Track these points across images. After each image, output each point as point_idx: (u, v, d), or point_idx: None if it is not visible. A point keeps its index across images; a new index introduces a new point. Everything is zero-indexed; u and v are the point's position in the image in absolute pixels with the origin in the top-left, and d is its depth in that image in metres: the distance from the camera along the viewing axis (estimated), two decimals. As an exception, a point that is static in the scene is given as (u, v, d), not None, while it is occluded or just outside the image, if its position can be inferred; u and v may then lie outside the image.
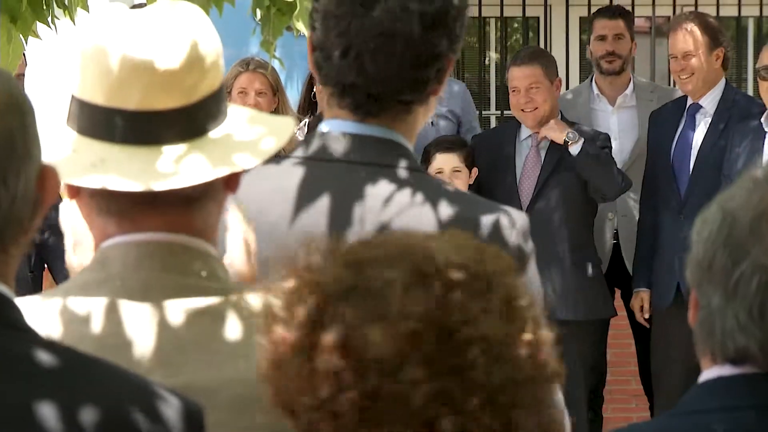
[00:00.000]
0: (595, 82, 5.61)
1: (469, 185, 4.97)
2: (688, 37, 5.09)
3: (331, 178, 1.82)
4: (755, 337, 1.39)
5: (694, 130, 5.13)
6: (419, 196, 1.81)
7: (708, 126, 5.07)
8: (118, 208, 1.48)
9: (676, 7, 7.02)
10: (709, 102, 5.14)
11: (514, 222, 1.83)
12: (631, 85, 5.57)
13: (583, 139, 4.91)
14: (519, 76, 5.02)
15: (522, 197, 4.99)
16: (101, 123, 1.47)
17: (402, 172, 1.83)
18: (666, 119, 5.23)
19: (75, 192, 1.51)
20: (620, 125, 5.48)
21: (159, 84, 1.47)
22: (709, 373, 1.44)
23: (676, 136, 5.16)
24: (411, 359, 1.12)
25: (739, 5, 7.12)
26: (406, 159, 1.85)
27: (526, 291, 1.22)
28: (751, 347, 1.39)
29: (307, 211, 1.78)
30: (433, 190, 1.84)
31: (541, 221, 4.81)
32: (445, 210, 1.80)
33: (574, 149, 4.90)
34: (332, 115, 1.86)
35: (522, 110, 5.04)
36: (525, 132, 5.14)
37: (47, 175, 1.25)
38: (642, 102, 5.52)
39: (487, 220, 1.81)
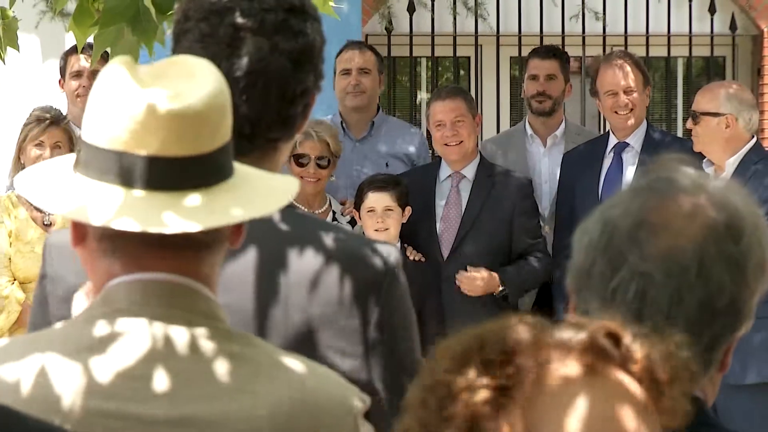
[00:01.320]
0: (528, 122, 5.64)
1: (403, 224, 4.96)
2: (628, 74, 5.15)
3: None
4: None
5: (622, 169, 5.16)
6: (296, 232, 1.86)
7: (637, 164, 5.11)
8: (124, 250, 1.51)
9: (605, 47, 7.09)
10: (636, 140, 5.19)
11: (388, 254, 1.87)
12: (562, 126, 5.60)
13: (507, 288, 4.91)
14: (444, 110, 5.04)
15: (443, 247, 4.99)
16: (120, 168, 1.50)
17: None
18: (585, 159, 5.25)
19: (81, 238, 1.54)
20: (551, 166, 5.51)
21: (179, 131, 1.49)
22: None
23: (602, 176, 5.19)
24: None
25: (669, 45, 7.23)
26: None
27: None
28: None
29: None
30: (308, 225, 1.89)
31: (464, 268, 4.84)
32: (324, 244, 1.84)
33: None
34: None
35: (446, 144, 5.05)
36: (444, 171, 5.14)
37: None
38: (569, 144, 5.55)
39: (361, 253, 1.85)
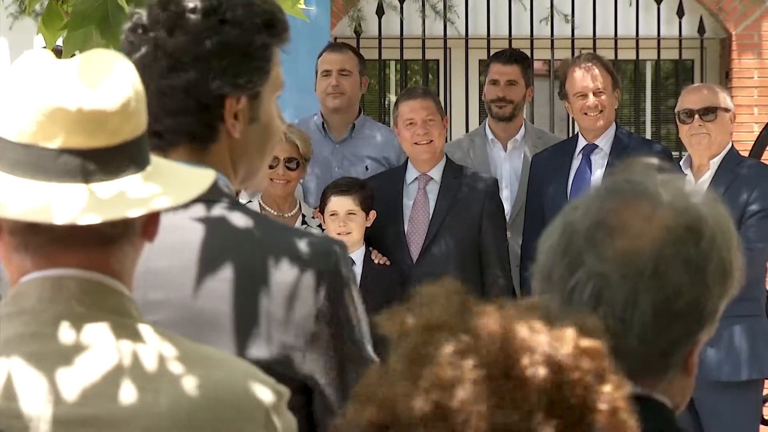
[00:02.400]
0: (489, 126, 5.65)
1: (367, 228, 4.96)
2: (597, 76, 5.18)
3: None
4: None
5: (590, 170, 5.19)
6: (240, 227, 1.87)
7: (606, 166, 5.15)
8: (35, 245, 1.52)
9: (574, 50, 7.14)
10: (605, 142, 5.22)
11: (332, 249, 1.88)
12: (522, 130, 5.61)
13: None
14: (415, 108, 5.05)
15: (411, 249, 5.00)
16: (27, 161, 1.50)
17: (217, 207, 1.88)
18: (554, 161, 5.27)
19: None
20: (512, 170, 5.53)
21: (83, 124, 1.49)
22: None
23: (571, 177, 5.23)
24: None
25: (637, 49, 7.27)
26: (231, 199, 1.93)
27: None
28: None
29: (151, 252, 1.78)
30: (253, 220, 1.90)
31: (433, 273, 4.85)
32: (266, 239, 1.86)
33: None
34: None
35: (417, 143, 5.06)
36: (411, 173, 5.14)
37: None
38: (530, 148, 5.57)
39: (303, 247, 1.86)
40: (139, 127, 1.56)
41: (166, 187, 1.54)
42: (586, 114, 5.20)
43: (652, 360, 1.45)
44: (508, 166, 5.54)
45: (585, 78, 5.18)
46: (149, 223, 1.57)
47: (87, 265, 1.52)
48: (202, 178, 1.62)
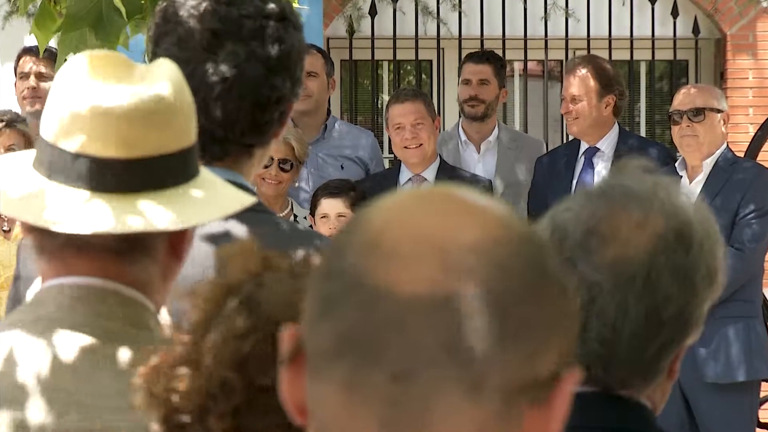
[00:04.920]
0: (462, 128, 5.66)
1: None
2: (579, 82, 5.19)
3: None
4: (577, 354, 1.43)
5: (593, 174, 5.21)
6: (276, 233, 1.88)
7: (608, 169, 5.16)
8: (50, 249, 1.52)
9: (568, 51, 7.17)
10: (607, 145, 5.23)
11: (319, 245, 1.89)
12: (495, 132, 5.62)
13: None
14: (403, 112, 5.06)
15: None
16: (63, 166, 1.50)
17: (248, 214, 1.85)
18: (556, 165, 5.29)
19: (27, 229, 1.56)
20: (485, 172, 5.53)
21: (122, 132, 1.49)
22: None
23: (574, 181, 5.26)
24: None
25: (631, 49, 7.29)
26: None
27: None
28: None
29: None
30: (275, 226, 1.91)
31: None
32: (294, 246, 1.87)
33: None
34: None
35: (406, 147, 5.08)
36: (405, 175, 5.15)
37: None
38: (503, 150, 5.58)
39: (293, 243, 1.86)
40: (177, 142, 1.53)
41: (189, 207, 1.53)
42: (566, 118, 5.27)
43: (641, 367, 1.47)
44: (481, 168, 5.54)
45: (567, 83, 5.23)
46: (178, 241, 1.56)
47: (105, 274, 1.52)
48: (235, 202, 1.62)
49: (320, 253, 1.35)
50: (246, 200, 1.64)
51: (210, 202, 1.58)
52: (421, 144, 5.05)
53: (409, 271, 0.89)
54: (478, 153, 5.60)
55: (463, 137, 5.63)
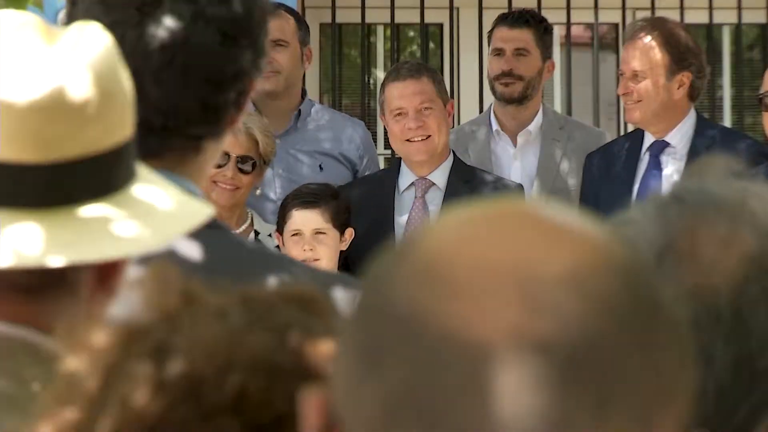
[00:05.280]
0: (494, 113, 5.63)
1: (342, 253, 4.95)
2: (642, 53, 5.16)
3: None
4: None
5: (661, 175, 5.20)
6: (215, 264, 1.89)
7: (682, 170, 5.15)
8: None
9: (626, 11, 7.18)
10: (679, 139, 5.18)
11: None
12: (538, 118, 5.59)
13: None
14: (405, 93, 5.00)
15: None
16: None
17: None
18: (612, 163, 5.27)
19: None
20: (524, 173, 5.50)
21: (24, 132, 1.50)
22: None
23: (636, 185, 5.24)
24: None
25: (711, 9, 7.30)
26: None
27: None
28: None
29: None
30: (234, 253, 1.92)
31: None
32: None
33: None
34: None
35: (409, 140, 5.02)
36: (406, 178, 5.11)
37: None
38: (546, 142, 5.55)
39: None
40: (104, 141, 1.55)
41: (125, 228, 1.54)
42: (624, 102, 5.24)
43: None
44: (518, 168, 5.52)
45: (626, 54, 5.19)
46: (108, 272, 1.58)
47: (13, 317, 1.54)
48: (189, 217, 1.64)
49: (354, 290, 1.34)
50: (203, 213, 1.65)
51: (155, 218, 1.58)
52: (429, 135, 5.01)
53: (483, 311, 0.91)
54: (514, 147, 5.57)
55: (495, 126, 5.60)
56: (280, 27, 5.39)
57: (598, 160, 5.37)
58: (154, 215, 1.59)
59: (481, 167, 5.35)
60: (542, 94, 5.76)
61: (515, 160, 5.58)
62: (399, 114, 5.04)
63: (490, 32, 5.76)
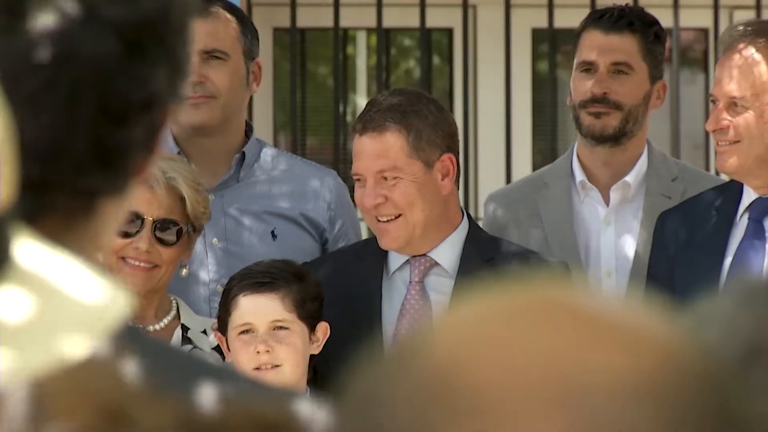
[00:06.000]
0: (578, 157, 5.64)
1: (312, 357, 4.97)
2: (744, 73, 5.16)
3: None
4: None
5: (764, 247, 5.23)
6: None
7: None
8: None
9: (719, 11, 7.27)
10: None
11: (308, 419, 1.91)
12: (640, 165, 5.61)
13: None
14: (363, 152, 5.01)
15: None
16: None
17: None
18: (697, 226, 5.36)
19: None
20: (618, 243, 5.55)
21: None
22: None
23: (728, 257, 5.27)
24: None
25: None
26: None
27: None
28: None
29: None
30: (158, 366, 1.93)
31: None
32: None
33: None
34: None
35: (378, 219, 5.04)
36: (397, 256, 5.16)
37: None
38: (652, 199, 5.56)
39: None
40: None
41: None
42: (716, 141, 5.16)
43: None
44: (612, 234, 5.56)
45: (720, 72, 5.18)
46: None
47: None
48: (92, 316, 1.65)
49: (327, 414, 1.40)
50: (116, 309, 1.66)
51: (40, 324, 1.60)
52: (400, 214, 5.02)
53: None
54: (606, 206, 5.58)
55: (580, 176, 5.60)
56: (214, 32, 5.40)
57: (676, 221, 5.39)
58: (45, 314, 1.60)
59: (559, 237, 5.43)
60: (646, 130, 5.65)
61: (607, 225, 5.59)
62: (359, 180, 5.08)
63: (577, 36, 5.65)
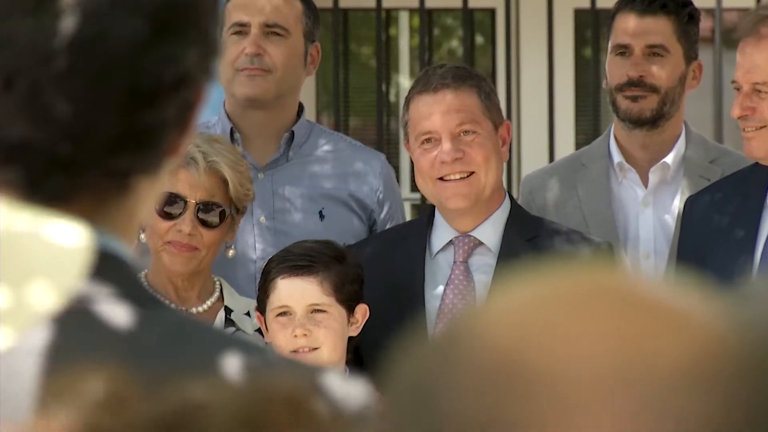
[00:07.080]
0: (615, 139, 5.66)
1: (350, 339, 4.95)
2: (765, 57, 5.15)
3: None
4: None
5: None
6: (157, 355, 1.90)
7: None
8: None
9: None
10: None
11: (349, 400, 1.90)
12: (679, 147, 5.63)
13: None
14: (438, 110, 5.03)
15: None
16: None
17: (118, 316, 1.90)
18: (726, 209, 5.33)
19: None
20: (658, 224, 5.56)
21: None
22: None
23: (760, 242, 5.26)
24: None
25: None
26: (125, 286, 1.93)
27: None
28: None
29: None
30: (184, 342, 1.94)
31: None
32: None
33: None
34: None
35: (443, 179, 5.04)
36: (441, 234, 5.18)
37: None
38: (691, 180, 5.56)
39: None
40: None
41: None
42: (743, 129, 5.13)
43: None
44: (649, 217, 5.58)
45: (743, 58, 5.14)
46: None
47: None
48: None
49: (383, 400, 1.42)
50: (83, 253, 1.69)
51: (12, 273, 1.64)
52: (472, 172, 5.04)
53: (587, 426, 0.96)
54: (645, 188, 5.60)
55: (617, 157, 5.62)
56: (278, 7, 5.36)
57: (704, 206, 5.38)
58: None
59: (596, 218, 5.43)
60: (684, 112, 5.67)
61: (646, 206, 5.60)
62: (428, 140, 5.06)
63: (611, 18, 5.68)
